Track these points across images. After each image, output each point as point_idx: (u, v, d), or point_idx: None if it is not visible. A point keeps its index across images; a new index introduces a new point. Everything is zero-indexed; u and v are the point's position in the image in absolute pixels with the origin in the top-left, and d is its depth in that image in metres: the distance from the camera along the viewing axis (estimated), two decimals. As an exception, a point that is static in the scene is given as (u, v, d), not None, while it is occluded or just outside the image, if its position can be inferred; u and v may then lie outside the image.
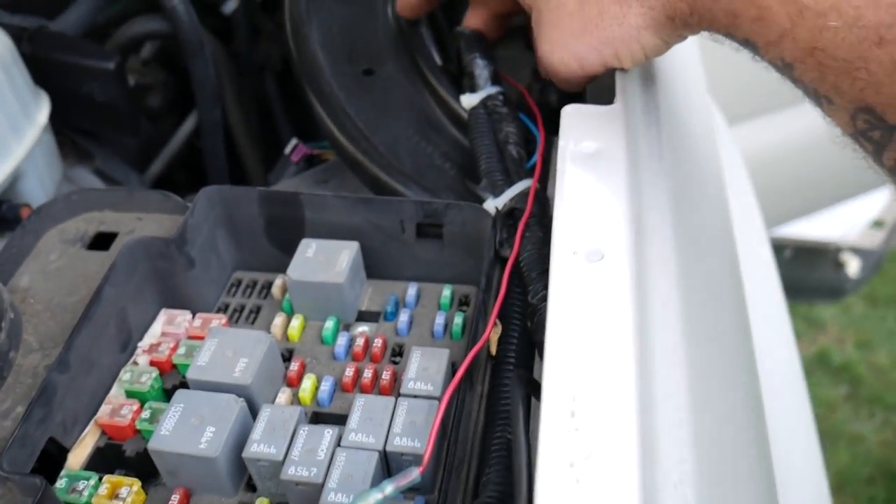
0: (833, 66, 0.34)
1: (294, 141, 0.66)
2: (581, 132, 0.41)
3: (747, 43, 0.38)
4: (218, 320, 0.46)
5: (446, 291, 0.48)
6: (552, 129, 0.59)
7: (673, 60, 0.51)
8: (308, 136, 0.73)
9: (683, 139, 0.46)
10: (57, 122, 0.68)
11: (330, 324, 0.46)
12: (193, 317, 0.47)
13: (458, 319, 0.46)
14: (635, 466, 0.29)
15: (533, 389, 0.34)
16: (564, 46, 0.45)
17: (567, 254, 0.34)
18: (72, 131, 0.74)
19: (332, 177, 0.63)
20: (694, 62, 0.57)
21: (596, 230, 0.36)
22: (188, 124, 0.82)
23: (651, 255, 0.36)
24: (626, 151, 0.40)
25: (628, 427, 0.30)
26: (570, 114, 0.42)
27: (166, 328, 0.46)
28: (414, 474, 0.34)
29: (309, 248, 0.47)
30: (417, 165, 0.55)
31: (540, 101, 0.77)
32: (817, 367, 1.86)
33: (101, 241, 0.49)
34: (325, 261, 0.47)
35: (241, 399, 0.39)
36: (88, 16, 0.72)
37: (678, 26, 0.42)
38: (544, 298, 0.41)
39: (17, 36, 0.66)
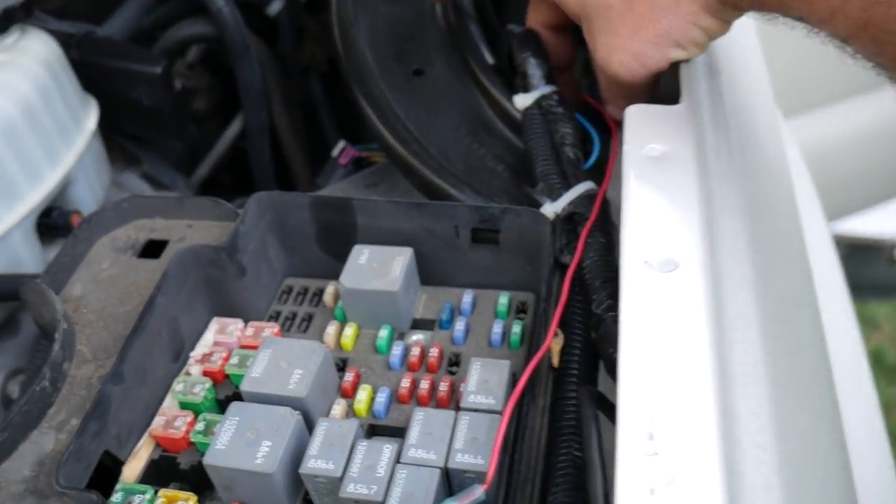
0: (888, 39, 0.34)
1: (341, 143, 0.65)
2: (646, 134, 0.39)
3: (801, 20, 0.37)
4: (270, 329, 0.45)
5: (503, 299, 0.46)
6: (606, 127, 0.57)
7: (735, 54, 0.49)
8: (354, 138, 0.72)
9: (751, 137, 0.43)
10: (104, 127, 0.68)
11: (384, 332, 0.45)
12: (245, 325, 0.46)
13: (516, 328, 0.44)
14: (720, 495, 0.27)
15: (602, 406, 0.33)
16: (622, 48, 0.43)
17: (638, 263, 0.33)
18: (119, 136, 0.74)
19: (381, 180, 0.61)
20: (756, 56, 0.55)
21: (668, 238, 0.34)
22: (234, 127, 0.81)
23: (726, 264, 0.34)
24: (695, 154, 0.38)
25: (710, 451, 0.28)
26: (635, 114, 0.40)
27: (218, 337, 0.45)
28: (478, 492, 0.32)
29: (362, 255, 0.46)
30: (469, 168, 0.54)
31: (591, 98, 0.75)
32: (871, 367, 1.81)
33: (152, 249, 0.48)
34: (378, 268, 0.45)
35: (297, 412, 0.38)
36: (134, 20, 0.72)
37: (729, 6, 0.41)
38: (610, 308, 0.39)
39: (66, 42, 0.66)
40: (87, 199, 0.63)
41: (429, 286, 0.48)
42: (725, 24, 0.43)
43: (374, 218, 0.47)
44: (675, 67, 0.44)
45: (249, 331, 0.45)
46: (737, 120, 0.43)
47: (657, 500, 0.26)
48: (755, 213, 0.40)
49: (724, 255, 0.34)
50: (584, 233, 0.43)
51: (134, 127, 0.73)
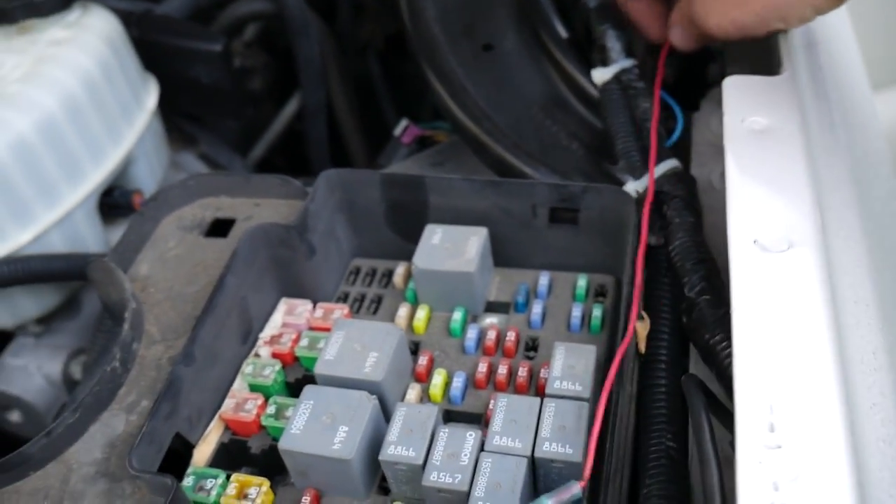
0: None
1: (404, 122, 0.63)
2: (747, 106, 0.36)
3: None
4: (340, 311, 0.44)
5: (581, 281, 0.44)
6: (681, 104, 0.54)
7: (828, 26, 0.46)
8: (412, 118, 0.70)
9: (850, 110, 0.41)
10: (162, 106, 0.67)
11: (458, 315, 0.43)
12: (314, 307, 0.44)
13: (596, 311, 0.42)
14: (847, 491, 0.24)
15: (707, 396, 0.31)
16: (724, 14, 0.41)
17: (747, 244, 0.30)
18: (176, 116, 0.73)
19: (447, 159, 0.60)
20: (846, 29, 0.52)
21: (778, 216, 0.31)
22: (291, 107, 0.80)
23: (839, 244, 0.32)
24: (800, 127, 0.36)
25: (835, 445, 0.25)
26: (734, 86, 0.38)
27: (287, 318, 0.44)
28: (575, 489, 0.30)
29: (435, 235, 0.44)
30: (543, 145, 0.52)
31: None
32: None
33: (219, 228, 0.47)
34: (452, 248, 0.44)
35: (374, 396, 0.36)
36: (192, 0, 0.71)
37: None
38: (704, 292, 0.37)
39: (126, 20, 0.65)
40: (147, 178, 0.62)
41: (503, 267, 0.47)
42: (838, 2, 0.40)
43: (446, 196, 0.45)
44: (773, 36, 0.41)
45: (319, 312, 0.44)
46: (837, 93, 0.40)
47: (782, 497, 0.24)
48: (862, 189, 0.37)
49: (836, 234, 0.32)
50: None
51: (192, 106, 0.72)
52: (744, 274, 0.29)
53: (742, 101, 0.37)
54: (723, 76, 0.61)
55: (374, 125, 0.82)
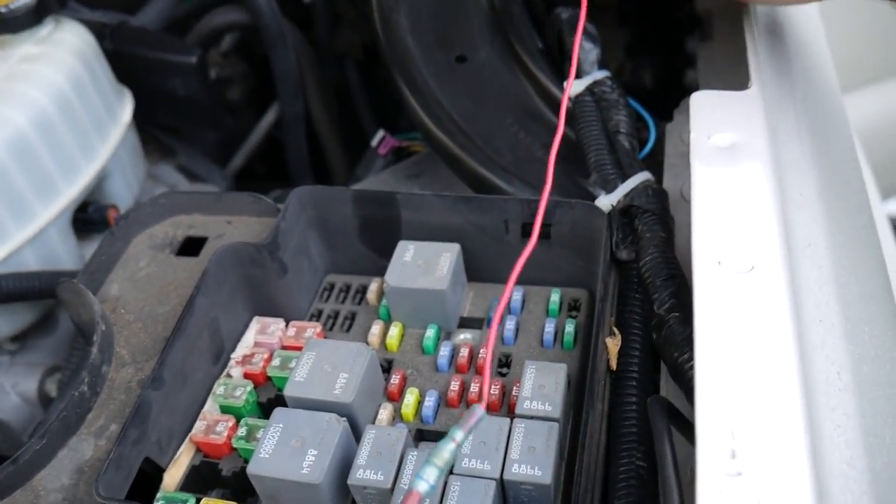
0: None
1: (381, 133, 0.63)
2: (714, 122, 0.36)
3: None
4: (312, 329, 0.43)
5: (554, 296, 0.44)
6: (656, 112, 0.54)
7: (800, 35, 0.46)
8: (391, 126, 0.70)
9: (820, 122, 0.41)
10: (139, 118, 0.67)
11: (431, 332, 0.43)
12: (287, 325, 0.44)
13: (569, 327, 0.42)
14: (809, 517, 0.24)
15: (672, 417, 0.30)
16: None
17: (711, 264, 0.30)
18: (154, 127, 0.73)
19: (423, 171, 0.59)
20: (819, 35, 0.52)
21: (742, 237, 0.31)
22: (269, 117, 0.80)
23: (805, 261, 0.32)
24: (767, 142, 0.36)
25: (798, 469, 0.25)
26: (701, 102, 0.38)
27: (259, 338, 0.44)
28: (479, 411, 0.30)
29: (407, 251, 0.44)
30: (517, 158, 0.51)
31: (632, 82, 0.72)
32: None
33: (191, 247, 0.47)
34: (424, 265, 0.43)
35: (344, 419, 0.36)
36: (168, 9, 0.71)
37: None
38: (673, 308, 0.37)
39: (99, 32, 0.64)
40: (123, 192, 0.62)
41: (476, 282, 0.46)
42: None
43: (419, 212, 0.45)
44: (742, 52, 0.41)
45: (291, 331, 0.44)
46: (806, 103, 0.40)
47: (742, 525, 0.24)
48: (829, 205, 0.37)
49: (802, 252, 0.32)
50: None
51: (169, 118, 0.72)
52: (707, 295, 0.29)
53: (708, 117, 0.37)
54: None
55: (353, 133, 0.81)
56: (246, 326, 0.44)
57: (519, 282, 0.46)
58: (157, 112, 0.70)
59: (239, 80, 0.80)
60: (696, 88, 0.63)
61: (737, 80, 0.52)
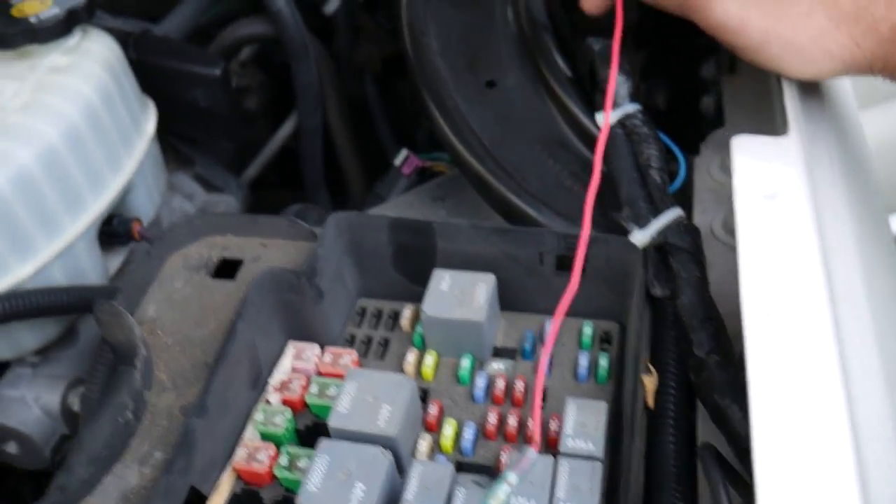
0: None
1: (404, 152, 0.64)
2: (757, 170, 0.37)
3: None
4: (349, 355, 0.44)
5: (587, 329, 0.45)
6: (682, 141, 0.55)
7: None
8: (408, 141, 0.71)
9: (855, 165, 0.42)
10: (159, 127, 0.67)
11: (466, 363, 0.44)
12: (322, 350, 0.45)
13: (602, 361, 0.43)
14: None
15: (723, 468, 0.31)
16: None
17: (761, 316, 0.31)
18: (172, 136, 0.73)
19: (448, 194, 0.60)
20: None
21: (789, 288, 0.32)
22: (286, 128, 0.80)
23: (846, 311, 0.33)
24: (809, 192, 0.37)
25: (851, 525, 0.26)
26: (742, 147, 0.38)
27: (295, 363, 0.44)
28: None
29: (443, 281, 0.45)
30: (545, 186, 0.52)
31: (646, 103, 0.73)
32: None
33: (226, 269, 0.47)
34: (460, 295, 0.44)
35: (389, 452, 0.37)
36: (191, 19, 0.70)
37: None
38: (713, 351, 0.38)
39: (123, 41, 0.64)
40: (145, 204, 0.62)
41: (508, 311, 0.47)
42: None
43: (454, 242, 0.46)
44: (779, 95, 0.42)
45: (328, 357, 0.44)
46: (841, 149, 0.41)
47: (803, 583, 0.25)
48: (864, 253, 0.38)
49: (843, 301, 0.33)
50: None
51: (188, 128, 0.72)
52: (760, 350, 0.30)
53: (752, 164, 0.37)
54: (717, 111, 0.63)
55: (370, 146, 0.82)
56: (281, 350, 0.45)
57: (549, 311, 0.46)
58: (176, 122, 0.70)
59: (256, 90, 0.80)
60: (714, 117, 0.64)
61: (762, 116, 0.53)
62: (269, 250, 0.48)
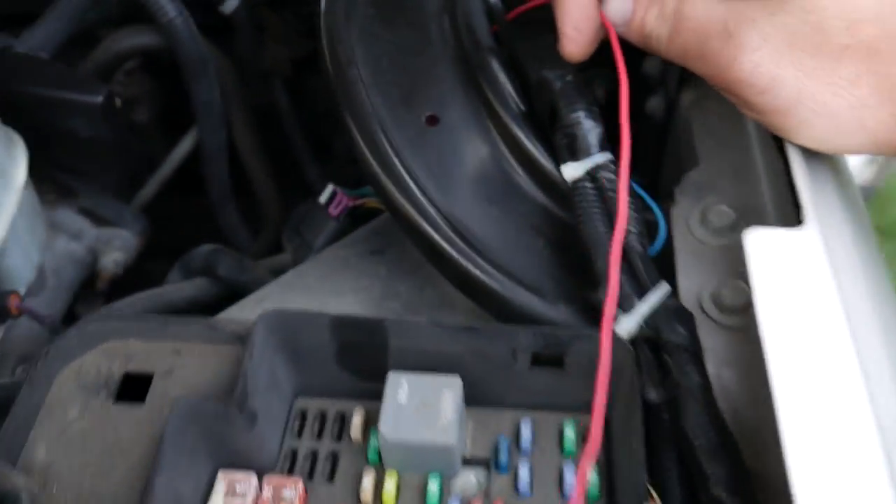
0: None
1: (330, 188, 0.55)
2: (776, 268, 0.32)
3: None
4: (293, 486, 0.37)
5: (569, 430, 0.39)
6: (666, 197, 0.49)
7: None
8: (325, 153, 0.62)
9: (869, 252, 0.37)
10: (30, 160, 0.56)
11: (434, 486, 0.37)
12: (260, 481, 0.37)
13: (592, 477, 0.37)
14: None
15: None
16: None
17: (801, 439, 0.26)
18: (49, 167, 0.62)
19: (386, 244, 0.52)
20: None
21: (826, 400, 0.27)
22: (184, 146, 0.69)
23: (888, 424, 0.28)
24: (835, 288, 0.32)
25: None
26: (758, 243, 0.33)
27: (228, 500, 0.37)
28: None
29: (399, 388, 0.38)
30: (505, 246, 0.45)
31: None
32: None
33: (132, 387, 0.38)
34: (423, 407, 0.37)
35: None
36: (61, 31, 0.59)
37: None
38: (731, 490, 0.32)
39: (-25, 63, 0.53)
40: (23, 268, 0.52)
41: (475, 407, 0.41)
42: None
43: (411, 340, 0.39)
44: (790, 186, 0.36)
45: (267, 491, 0.37)
46: (853, 239, 0.36)
47: None
48: (890, 345, 0.34)
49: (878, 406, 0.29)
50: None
51: (68, 160, 0.61)
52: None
53: (770, 261, 0.32)
54: (667, 113, 0.57)
55: (283, 162, 0.72)
56: (208, 484, 0.37)
57: (524, 406, 0.41)
58: (52, 154, 0.59)
59: (145, 99, 0.69)
60: (663, 121, 0.58)
61: (735, 142, 0.47)
62: (183, 359, 0.39)
